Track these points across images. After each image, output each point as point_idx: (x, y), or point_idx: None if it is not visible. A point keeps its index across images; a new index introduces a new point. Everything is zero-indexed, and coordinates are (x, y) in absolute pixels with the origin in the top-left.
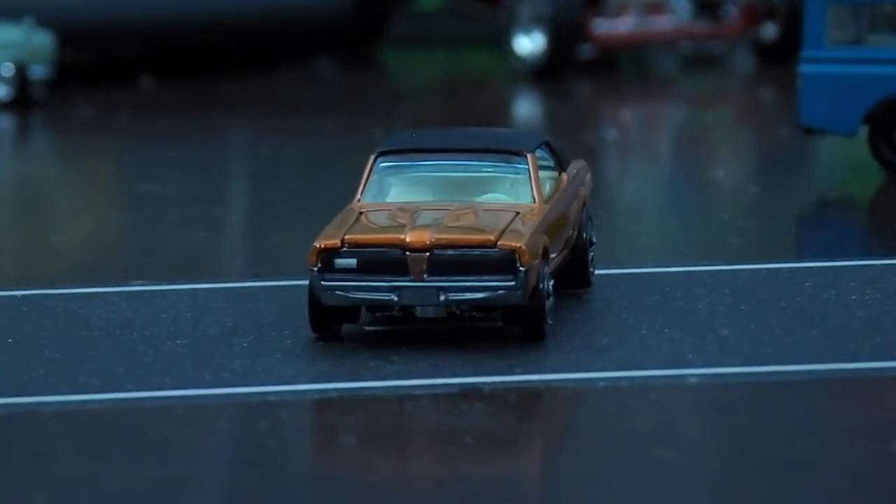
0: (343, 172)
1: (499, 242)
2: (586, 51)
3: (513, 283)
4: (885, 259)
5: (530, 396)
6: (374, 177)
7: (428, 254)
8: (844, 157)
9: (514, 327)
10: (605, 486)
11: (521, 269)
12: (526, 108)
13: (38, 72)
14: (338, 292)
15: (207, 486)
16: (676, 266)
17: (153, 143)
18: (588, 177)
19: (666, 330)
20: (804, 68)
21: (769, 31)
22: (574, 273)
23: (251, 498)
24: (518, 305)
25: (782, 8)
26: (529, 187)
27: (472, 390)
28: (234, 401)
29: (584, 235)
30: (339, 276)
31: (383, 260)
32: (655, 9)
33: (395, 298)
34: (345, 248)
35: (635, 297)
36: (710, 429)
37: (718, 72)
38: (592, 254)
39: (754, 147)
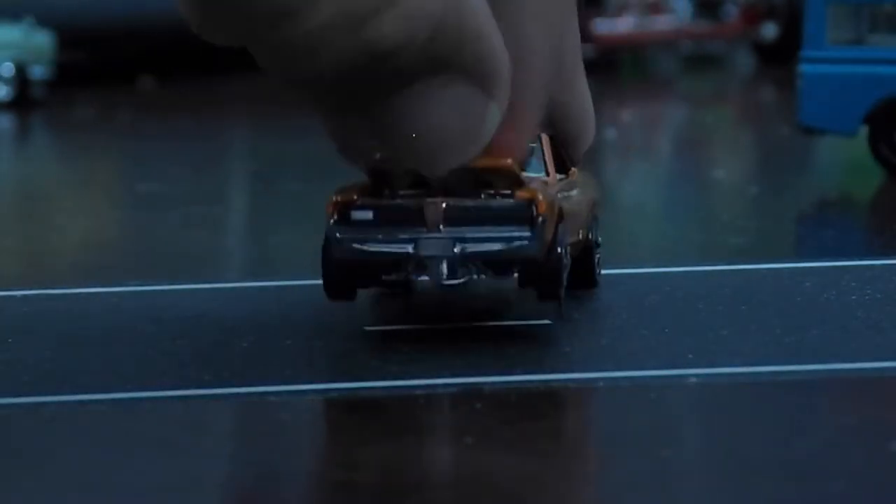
0: (343, 172)
1: (516, 193)
2: (586, 51)
3: (529, 233)
4: (885, 259)
5: (530, 396)
6: None
7: (444, 204)
8: (844, 157)
9: (530, 289)
10: (605, 486)
11: (538, 217)
12: None
13: (38, 72)
14: (354, 245)
15: (207, 486)
16: (676, 266)
17: (153, 143)
18: (595, 181)
19: (666, 330)
20: (804, 68)
21: (769, 31)
22: (580, 273)
23: (251, 498)
24: (535, 261)
25: (782, 8)
26: (543, 162)
27: (473, 390)
28: (234, 401)
29: (591, 237)
30: (355, 228)
31: (400, 210)
32: (655, 9)
33: (411, 250)
34: (361, 201)
35: (635, 297)
36: (710, 429)
37: (718, 72)
38: (598, 255)
39: (754, 147)
